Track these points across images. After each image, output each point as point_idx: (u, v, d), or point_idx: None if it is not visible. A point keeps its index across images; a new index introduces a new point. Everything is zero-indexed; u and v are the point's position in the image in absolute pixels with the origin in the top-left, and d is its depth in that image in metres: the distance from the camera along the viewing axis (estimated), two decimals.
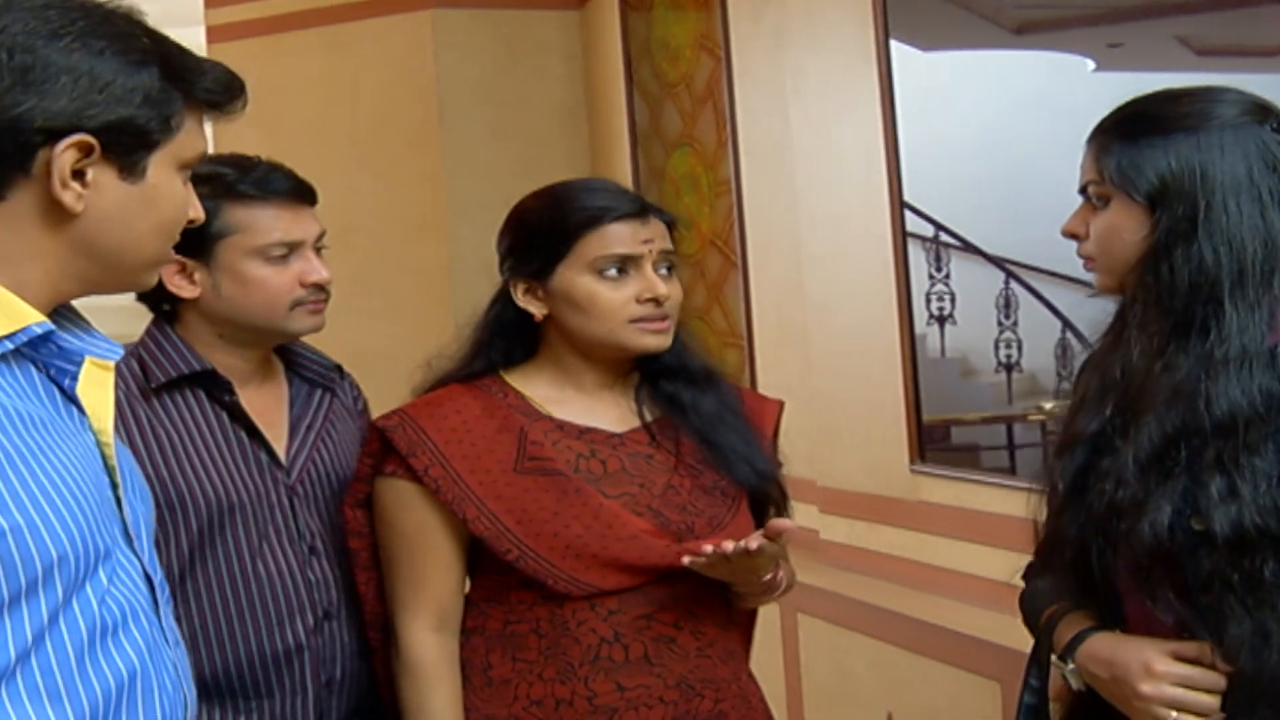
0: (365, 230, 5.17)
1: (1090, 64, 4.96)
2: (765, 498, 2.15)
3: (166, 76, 1.35)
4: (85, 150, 1.30)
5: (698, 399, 2.13)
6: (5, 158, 1.28)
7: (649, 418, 2.12)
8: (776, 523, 1.97)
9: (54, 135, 1.29)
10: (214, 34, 5.53)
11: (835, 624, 3.83)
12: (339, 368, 2.26)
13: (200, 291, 2.05)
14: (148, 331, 2.11)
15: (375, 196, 5.40)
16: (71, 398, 1.36)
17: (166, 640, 1.40)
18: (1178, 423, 1.62)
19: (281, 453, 2.11)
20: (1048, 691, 1.88)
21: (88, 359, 1.38)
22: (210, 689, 2.00)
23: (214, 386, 2.08)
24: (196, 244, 1.99)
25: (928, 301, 5.57)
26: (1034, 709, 1.89)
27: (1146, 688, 1.67)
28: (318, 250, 2.12)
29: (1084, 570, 1.75)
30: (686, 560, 1.98)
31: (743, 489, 2.12)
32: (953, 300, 5.90)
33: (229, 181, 2.04)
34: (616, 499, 2.04)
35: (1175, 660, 1.67)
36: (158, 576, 1.42)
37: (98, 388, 1.37)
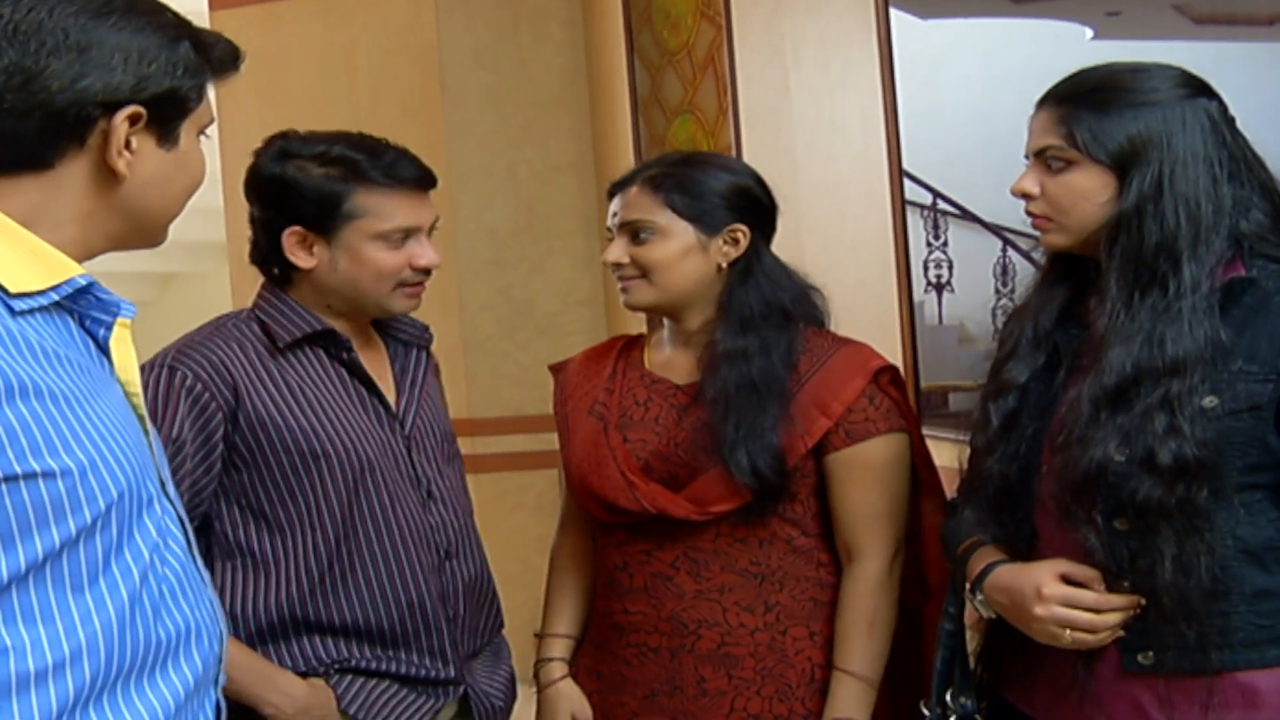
0: None
1: (1089, 32, 4.96)
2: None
3: (196, 50, 1.44)
4: (134, 120, 1.38)
5: (727, 368, 2.21)
6: (65, 129, 1.36)
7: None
8: None
9: (111, 107, 1.37)
10: (216, 1, 5.54)
11: None
12: (428, 329, 2.37)
13: (316, 264, 2.17)
14: (262, 297, 2.23)
15: None
16: (104, 349, 1.43)
17: (202, 580, 1.48)
18: (1135, 365, 1.80)
19: (394, 406, 2.25)
20: (964, 619, 2.06)
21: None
22: (356, 637, 2.15)
23: (333, 345, 2.20)
24: (323, 221, 2.14)
25: (925, 269, 5.58)
26: (952, 634, 2.07)
27: (1038, 610, 1.85)
28: (429, 233, 2.24)
29: (1005, 506, 1.96)
30: None
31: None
32: (950, 268, 5.91)
33: (361, 167, 2.14)
34: (631, 444, 2.25)
35: (1062, 583, 1.85)
36: (187, 521, 1.50)
37: (123, 344, 1.45)
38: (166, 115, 1.42)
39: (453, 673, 2.23)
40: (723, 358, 2.20)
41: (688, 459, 2.21)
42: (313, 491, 2.12)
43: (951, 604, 2.06)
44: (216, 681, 1.48)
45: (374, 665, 2.16)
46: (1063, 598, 1.84)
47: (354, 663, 2.14)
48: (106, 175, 1.39)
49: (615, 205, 2.27)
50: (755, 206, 2.28)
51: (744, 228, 2.24)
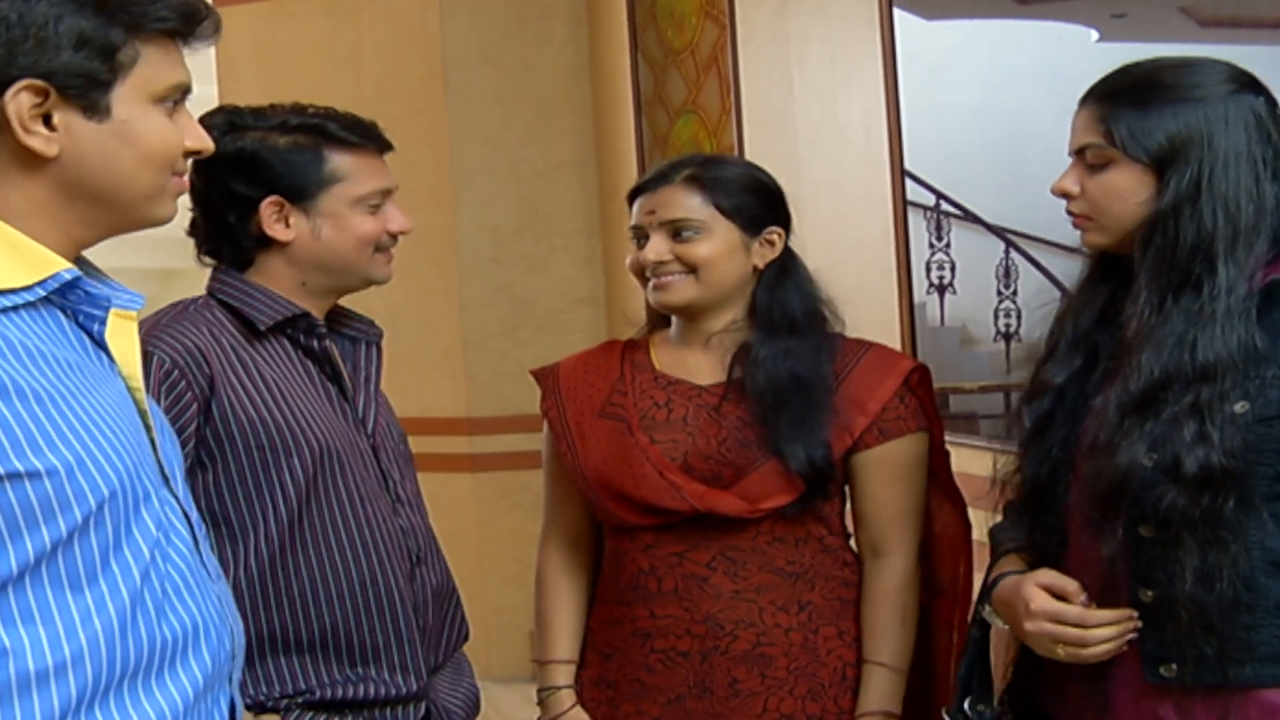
0: None
1: (1094, 34, 4.95)
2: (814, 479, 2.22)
3: (104, 15, 1.37)
4: (40, 94, 1.34)
5: (774, 365, 2.21)
6: None
7: (737, 373, 2.24)
8: None
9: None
10: None
11: None
12: (375, 324, 2.28)
13: (295, 236, 2.08)
14: (222, 280, 2.11)
15: None
16: (101, 344, 1.40)
17: (209, 574, 1.45)
18: (1164, 369, 1.73)
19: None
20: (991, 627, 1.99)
21: (112, 309, 1.42)
22: (324, 653, 2.03)
23: (304, 332, 2.10)
24: (302, 188, 2.06)
25: (928, 270, 5.57)
26: (977, 641, 2.00)
27: (1028, 625, 1.81)
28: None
29: (1035, 510, 1.90)
30: None
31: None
32: (952, 269, 5.89)
33: (329, 130, 2.08)
34: (661, 444, 2.21)
35: (1048, 595, 1.80)
36: (194, 515, 1.47)
37: (124, 337, 1.42)
38: (78, 87, 1.36)
39: (421, 686, 2.12)
40: (768, 356, 2.21)
41: (733, 457, 2.19)
42: (281, 491, 2.00)
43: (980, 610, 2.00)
44: (231, 679, 1.46)
45: (338, 693, 2.03)
46: (1048, 614, 1.79)
47: (317, 693, 2.02)
48: (32, 156, 1.36)
49: (648, 204, 2.25)
50: (785, 211, 2.30)
51: (780, 230, 2.27)
